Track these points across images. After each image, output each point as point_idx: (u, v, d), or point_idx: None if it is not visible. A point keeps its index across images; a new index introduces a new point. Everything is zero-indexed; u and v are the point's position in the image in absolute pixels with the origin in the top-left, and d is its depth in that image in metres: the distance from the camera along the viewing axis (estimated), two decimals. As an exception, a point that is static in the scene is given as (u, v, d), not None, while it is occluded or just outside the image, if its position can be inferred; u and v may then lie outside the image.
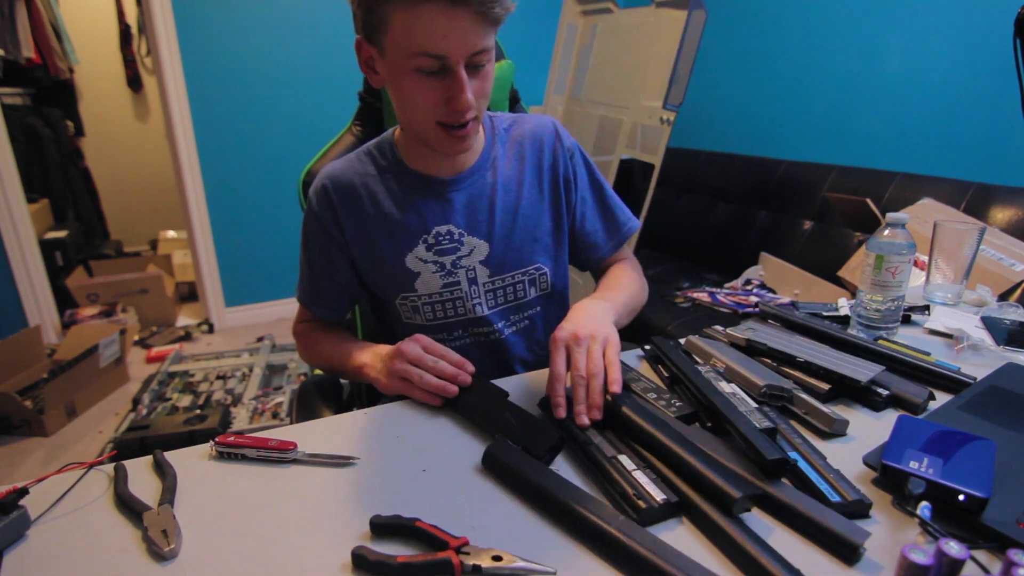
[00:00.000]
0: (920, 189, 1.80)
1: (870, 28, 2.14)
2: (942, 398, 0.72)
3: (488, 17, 0.67)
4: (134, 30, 3.80)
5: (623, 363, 0.78)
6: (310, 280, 0.89)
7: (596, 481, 0.56)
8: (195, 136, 2.64)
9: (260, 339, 2.75)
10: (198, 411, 2.08)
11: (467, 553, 0.46)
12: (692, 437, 0.59)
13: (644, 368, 0.81)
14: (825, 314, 0.97)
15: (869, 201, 1.81)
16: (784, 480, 0.55)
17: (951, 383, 0.74)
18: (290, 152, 2.78)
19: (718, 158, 2.62)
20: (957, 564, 0.42)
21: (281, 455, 0.61)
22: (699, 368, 0.75)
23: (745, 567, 0.46)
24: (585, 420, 0.62)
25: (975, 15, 1.83)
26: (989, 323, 0.94)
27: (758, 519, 0.52)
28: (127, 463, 0.60)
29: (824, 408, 0.66)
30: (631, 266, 0.96)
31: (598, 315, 0.74)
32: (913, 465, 0.53)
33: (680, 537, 0.50)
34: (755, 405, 0.66)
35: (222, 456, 0.62)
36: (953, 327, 0.91)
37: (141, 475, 0.59)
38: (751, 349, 0.81)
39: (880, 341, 0.84)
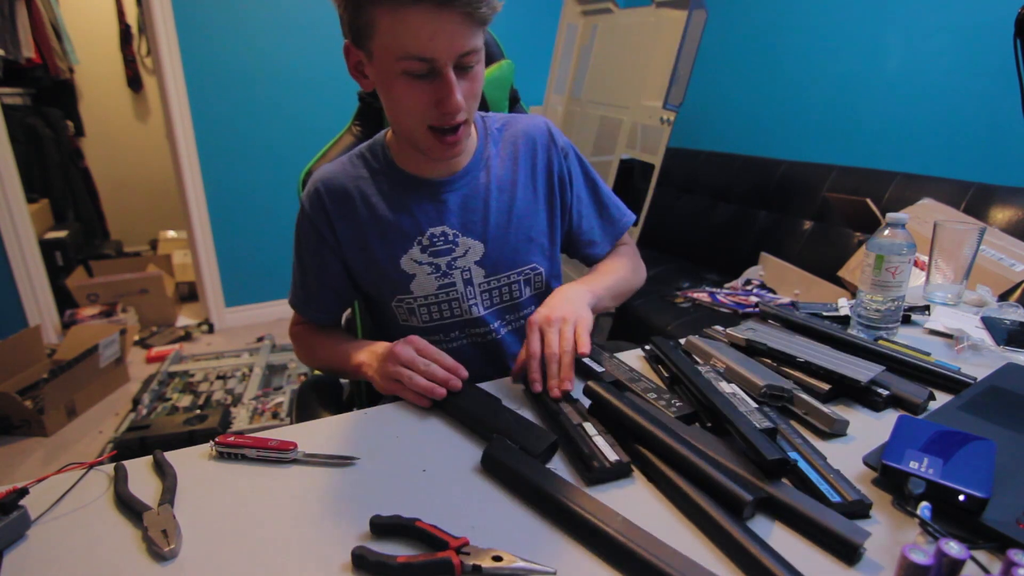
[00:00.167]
0: (920, 189, 1.80)
1: (870, 28, 2.14)
2: (942, 398, 0.72)
3: (475, 17, 0.66)
4: (134, 30, 3.80)
5: (623, 362, 0.79)
6: (303, 284, 0.89)
7: (561, 444, 0.62)
8: (195, 136, 2.64)
9: (260, 339, 2.75)
10: (198, 411, 2.08)
11: (467, 553, 0.46)
12: (693, 437, 0.59)
13: (644, 368, 0.81)
14: (825, 314, 0.97)
15: (869, 201, 1.81)
16: (784, 480, 0.55)
17: (951, 383, 0.74)
18: (290, 152, 2.78)
19: (718, 158, 2.62)
20: (957, 564, 0.42)
21: (281, 455, 0.61)
22: (699, 368, 0.75)
23: (746, 567, 0.46)
24: (557, 393, 0.68)
25: (975, 15, 1.83)
26: (989, 323, 0.94)
27: (758, 519, 0.52)
28: (127, 463, 0.60)
29: (824, 408, 0.66)
30: (625, 252, 0.98)
31: (573, 298, 0.78)
32: (913, 465, 0.53)
33: (680, 537, 0.50)
34: (755, 405, 0.66)
35: (222, 456, 0.62)
36: (953, 327, 0.91)
37: (141, 475, 0.59)
38: (751, 349, 0.81)
39: (880, 341, 0.84)
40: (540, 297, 0.92)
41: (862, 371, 0.72)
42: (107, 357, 2.28)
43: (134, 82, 3.90)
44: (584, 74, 2.48)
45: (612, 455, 0.58)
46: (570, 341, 0.71)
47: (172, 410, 2.14)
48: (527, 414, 0.68)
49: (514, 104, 1.15)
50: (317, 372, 1.07)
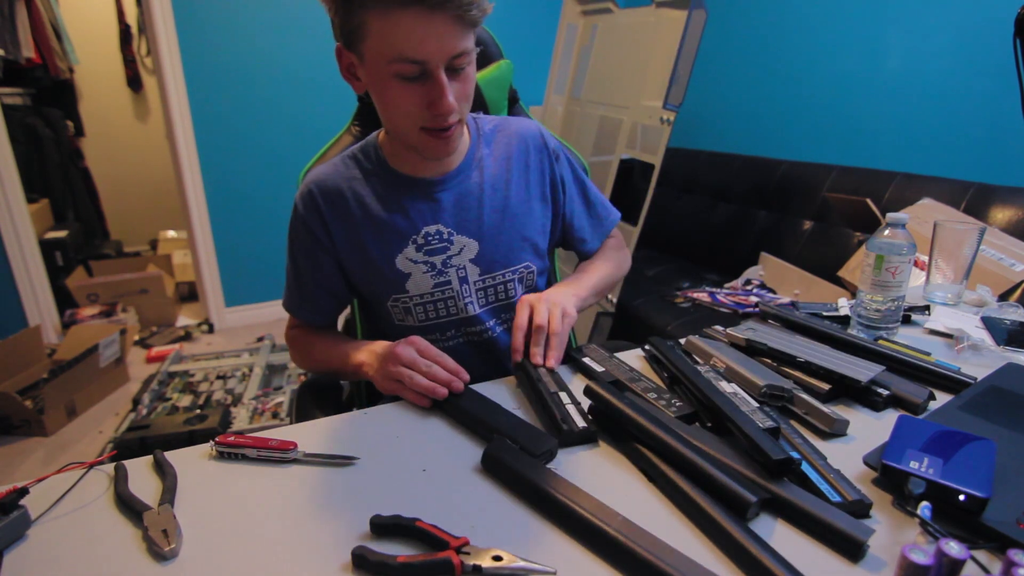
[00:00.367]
0: (920, 189, 1.80)
1: (870, 28, 2.14)
2: (942, 398, 0.72)
3: (465, 20, 0.67)
4: (134, 30, 3.80)
5: (623, 362, 0.79)
6: (297, 286, 0.89)
7: (536, 409, 0.69)
8: (195, 136, 2.64)
9: (260, 339, 2.75)
10: (198, 411, 2.08)
11: (467, 553, 0.46)
12: (693, 437, 0.59)
13: (644, 368, 0.81)
14: (825, 314, 0.97)
15: (869, 201, 1.81)
16: (785, 479, 0.55)
17: (951, 383, 0.74)
18: (290, 152, 2.78)
19: (718, 158, 2.62)
20: (957, 564, 0.42)
21: (281, 455, 0.61)
22: (699, 368, 0.75)
23: (746, 567, 0.46)
24: (539, 360, 0.74)
25: (975, 15, 1.83)
26: (989, 323, 0.94)
27: (760, 517, 0.52)
28: (127, 463, 0.60)
29: (824, 408, 0.66)
30: (612, 246, 1.02)
31: (563, 294, 0.82)
32: (913, 465, 0.53)
33: (680, 537, 0.50)
34: (756, 405, 0.66)
35: (222, 456, 0.62)
36: (953, 327, 0.91)
37: (141, 475, 0.59)
38: (751, 349, 0.81)
39: (880, 341, 0.84)
40: None
41: (862, 371, 0.72)
42: (107, 357, 2.28)
43: (134, 82, 3.90)
44: (584, 74, 2.48)
45: (580, 422, 0.63)
46: (558, 324, 0.75)
47: (172, 410, 2.14)
48: (527, 415, 0.68)
49: (513, 104, 1.15)
50: None
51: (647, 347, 0.84)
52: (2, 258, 2.52)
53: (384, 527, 0.50)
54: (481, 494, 0.56)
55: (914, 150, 2.05)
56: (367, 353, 0.79)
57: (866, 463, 0.58)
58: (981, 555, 0.47)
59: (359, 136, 1.05)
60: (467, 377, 0.73)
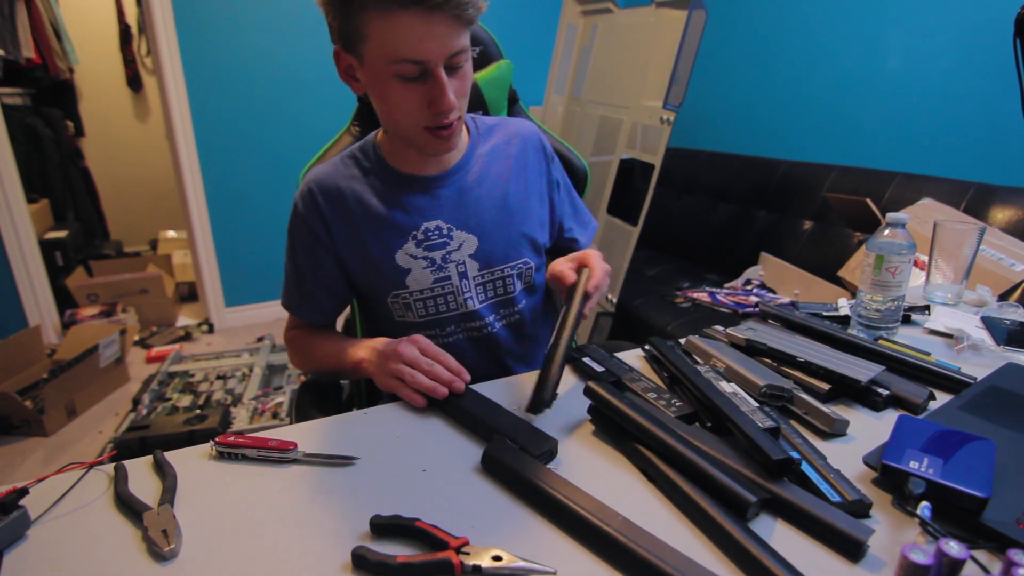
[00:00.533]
0: (920, 189, 1.80)
1: (870, 28, 2.14)
2: (942, 398, 0.72)
3: (462, 19, 0.68)
4: (134, 30, 3.80)
5: (623, 362, 0.80)
6: (297, 284, 0.89)
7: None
8: (195, 136, 2.64)
9: (260, 339, 2.75)
10: (198, 411, 2.08)
11: (467, 553, 0.46)
12: (693, 437, 0.59)
13: (644, 368, 0.81)
14: (825, 314, 0.97)
15: (869, 201, 1.81)
16: (785, 479, 0.55)
17: (951, 383, 0.74)
18: (290, 152, 2.78)
19: (718, 158, 2.62)
20: (957, 564, 0.42)
21: (281, 455, 0.61)
22: (699, 368, 0.75)
23: (746, 567, 0.46)
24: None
25: (975, 15, 1.83)
26: (989, 323, 0.94)
27: (760, 517, 0.52)
28: (127, 463, 0.60)
29: (824, 408, 0.66)
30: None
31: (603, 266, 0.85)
32: (913, 465, 0.53)
33: (680, 537, 0.50)
34: (756, 405, 0.66)
35: (222, 456, 0.62)
36: (953, 327, 0.91)
37: (141, 475, 0.59)
38: (751, 349, 0.81)
39: (880, 341, 0.84)
40: (531, 292, 0.94)
41: (862, 371, 0.72)
42: (107, 357, 2.28)
43: (134, 82, 3.90)
44: (584, 74, 2.48)
45: (548, 392, 0.67)
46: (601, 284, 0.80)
47: (172, 410, 2.14)
48: (527, 416, 0.69)
49: (513, 104, 1.15)
50: None
51: (647, 347, 0.84)
52: (2, 258, 2.52)
53: (384, 527, 0.50)
54: (481, 494, 0.56)
55: (914, 150, 2.05)
56: (367, 349, 0.79)
57: (866, 463, 0.58)
58: (981, 555, 0.47)
59: (359, 136, 1.05)
60: (468, 377, 0.73)
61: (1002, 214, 1.62)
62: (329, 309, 0.91)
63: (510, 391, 0.75)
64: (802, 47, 2.40)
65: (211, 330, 2.91)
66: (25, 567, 0.48)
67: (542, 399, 0.68)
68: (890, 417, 0.68)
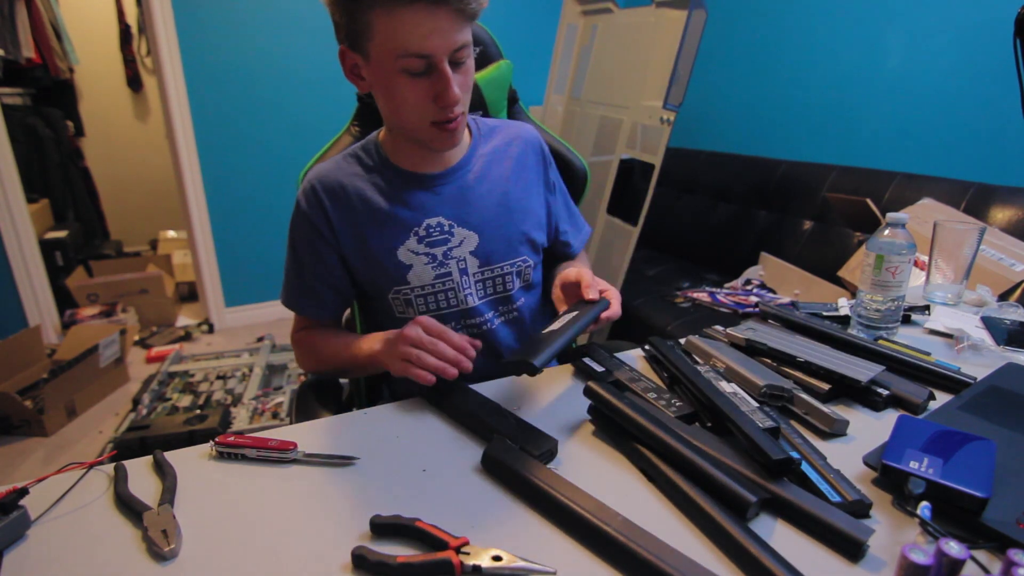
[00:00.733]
0: (920, 189, 1.79)
1: (870, 28, 2.14)
2: (942, 398, 0.72)
3: (465, 13, 0.70)
4: (134, 30, 3.80)
5: (623, 362, 0.80)
6: (300, 281, 0.89)
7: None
8: (195, 136, 2.64)
9: (260, 339, 2.75)
10: (198, 411, 2.08)
11: (467, 553, 0.46)
12: (693, 437, 0.59)
13: (644, 368, 0.81)
14: (825, 314, 0.97)
15: (869, 201, 1.81)
16: (785, 479, 0.55)
17: (951, 383, 0.74)
18: (290, 152, 2.78)
19: (718, 158, 2.62)
20: (957, 564, 0.42)
21: (281, 455, 0.61)
22: (699, 368, 0.75)
23: (746, 567, 0.46)
24: (595, 295, 0.78)
25: (975, 15, 1.83)
26: (989, 323, 0.94)
27: (760, 517, 0.52)
28: (127, 463, 0.60)
29: (824, 408, 0.66)
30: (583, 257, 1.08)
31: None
32: (913, 465, 0.53)
33: (680, 537, 0.50)
34: (756, 405, 0.66)
35: (222, 456, 0.62)
36: (953, 327, 0.91)
37: (141, 475, 0.59)
38: (751, 349, 0.81)
39: (880, 341, 0.84)
40: (528, 290, 0.94)
41: (862, 371, 0.72)
42: (107, 357, 2.28)
43: (134, 82, 3.90)
44: (584, 74, 2.48)
45: (534, 358, 0.65)
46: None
47: (172, 410, 2.14)
48: (527, 415, 0.68)
49: (513, 104, 1.15)
50: None
51: (647, 347, 0.84)
52: (2, 258, 2.52)
53: (384, 527, 0.50)
54: (481, 494, 0.56)
55: (914, 150, 2.05)
56: (380, 342, 0.79)
57: (866, 463, 0.58)
58: (981, 555, 0.47)
59: (359, 136, 1.05)
60: (472, 353, 0.73)
61: (1002, 214, 1.62)
62: (332, 306, 0.91)
63: (510, 391, 0.75)
64: (802, 47, 2.40)
65: (211, 330, 2.91)
66: (25, 567, 0.48)
67: (528, 361, 0.65)
68: (890, 417, 0.68)
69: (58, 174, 3.36)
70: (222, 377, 2.39)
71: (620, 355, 0.84)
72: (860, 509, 0.52)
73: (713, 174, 2.59)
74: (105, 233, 3.84)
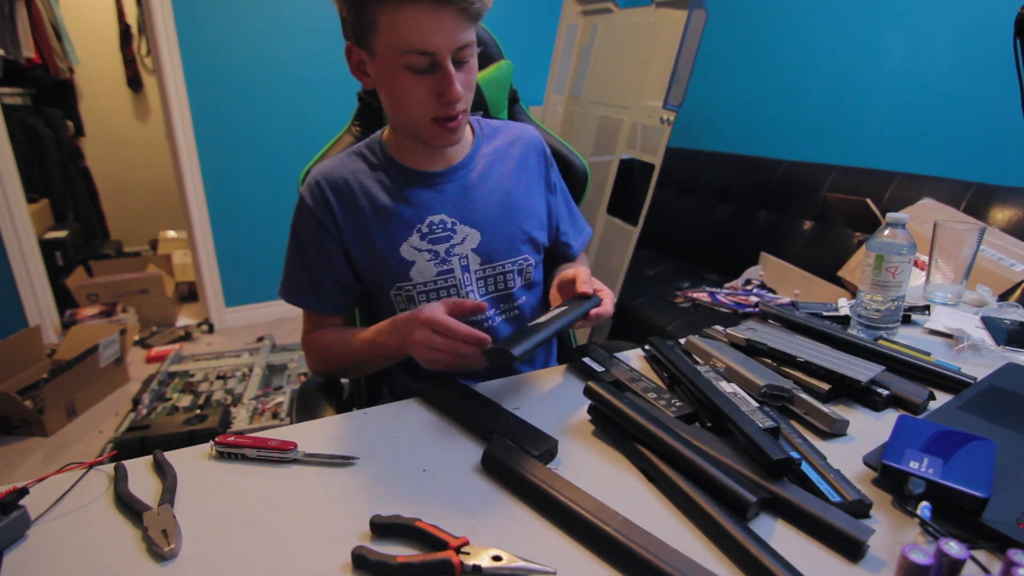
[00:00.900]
0: (920, 189, 1.79)
1: (870, 28, 2.14)
2: (942, 398, 0.72)
3: (469, 13, 0.71)
4: (134, 30, 3.80)
5: (623, 362, 0.80)
6: (306, 276, 0.88)
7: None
8: (195, 136, 2.64)
9: (260, 339, 2.75)
10: (198, 411, 2.08)
11: (467, 553, 0.46)
12: (693, 437, 0.59)
13: (644, 368, 0.81)
14: (825, 314, 0.97)
15: (869, 201, 1.81)
16: (785, 479, 0.55)
17: (951, 383, 0.74)
18: (290, 152, 2.78)
19: (718, 158, 2.62)
20: (957, 564, 0.42)
21: (281, 455, 0.61)
22: (699, 368, 0.75)
23: (746, 567, 0.46)
24: (588, 289, 0.78)
25: (975, 15, 1.83)
26: (989, 323, 0.94)
27: (760, 517, 0.52)
28: (127, 463, 0.60)
29: (824, 408, 0.66)
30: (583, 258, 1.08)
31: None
32: (913, 465, 0.53)
33: (680, 537, 0.50)
34: (756, 405, 0.66)
35: (222, 456, 0.62)
36: (953, 327, 0.91)
37: (141, 475, 0.59)
38: (751, 349, 0.81)
39: (880, 341, 0.84)
40: (529, 289, 0.94)
41: (862, 371, 0.72)
42: (107, 357, 2.28)
43: (134, 82, 3.90)
44: (584, 74, 2.48)
45: (514, 347, 0.64)
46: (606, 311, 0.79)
47: (172, 410, 2.14)
48: (527, 415, 0.68)
49: (513, 104, 1.15)
50: None
51: (647, 347, 0.84)
52: (2, 258, 2.52)
53: (384, 527, 0.50)
54: (481, 494, 0.56)
55: (914, 150, 2.05)
56: (396, 335, 0.77)
57: (866, 463, 0.58)
58: (981, 555, 0.47)
59: (359, 136, 1.05)
60: (488, 340, 0.71)
61: (1002, 214, 1.62)
62: (338, 301, 0.90)
63: (510, 391, 0.75)
64: (802, 47, 2.40)
65: (211, 330, 2.91)
66: (25, 567, 0.48)
67: (506, 350, 0.64)
68: (890, 417, 0.68)
69: (58, 174, 3.36)
70: (222, 377, 2.39)
71: (620, 355, 0.84)
72: (860, 509, 0.52)
73: (713, 174, 2.59)
74: (105, 233, 3.84)
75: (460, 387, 0.73)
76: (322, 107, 2.77)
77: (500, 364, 0.67)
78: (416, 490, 0.56)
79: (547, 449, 0.60)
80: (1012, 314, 0.97)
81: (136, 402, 2.21)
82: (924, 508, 0.49)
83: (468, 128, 0.92)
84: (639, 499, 0.55)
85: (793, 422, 0.67)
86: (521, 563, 0.46)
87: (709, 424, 0.65)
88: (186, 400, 2.21)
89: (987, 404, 0.68)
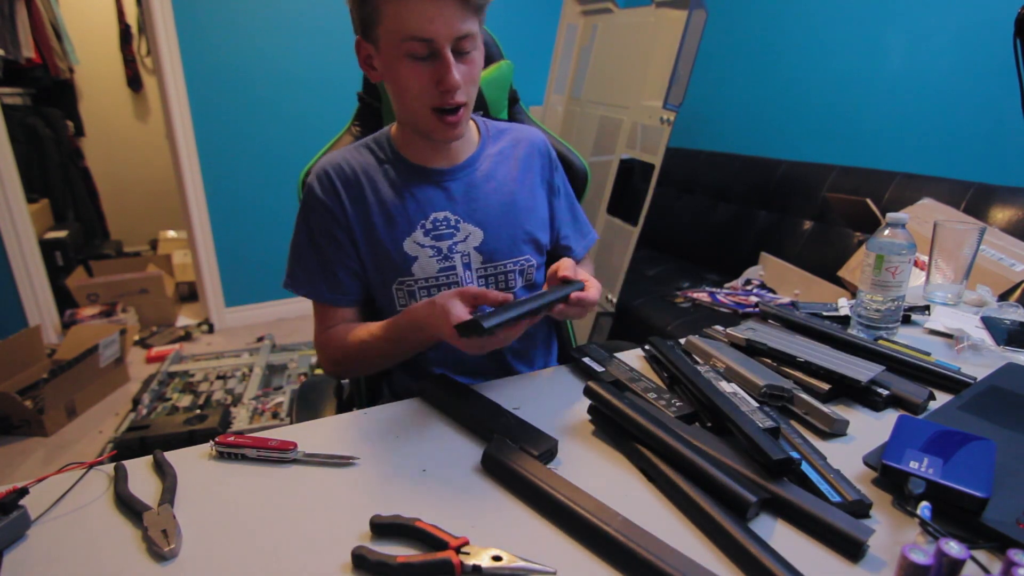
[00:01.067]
0: (920, 189, 1.79)
1: (870, 28, 2.14)
2: (942, 398, 0.72)
3: (470, 4, 0.73)
4: (134, 30, 3.80)
5: (623, 362, 0.80)
6: (319, 268, 0.87)
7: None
8: (195, 136, 2.64)
9: (260, 339, 2.75)
10: (198, 411, 2.08)
11: (467, 553, 0.46)
12: (693, 437, 0.59)
13: (644, 368, 0.81)
14: (825, 314, 0.97)
15: (869, 201, 1.81)
16: (785, 479, 0.55)
17: (951, 383, 0.74)
18: (290, 152, 2.78)
19: (718, 158, 2.62)
20: (957, 564, 0.42)
21: (281, 455, 0.61)
22: (699, 368, 0.75)
23: (746, 567, 0.46)
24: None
25: (975, 15, 1.83)
26: (989, 323, 0.94)
27: (760, 517, 0.52)
28: (127, 463, 0.60)
29: (824, 408, 0.66)
30: (590, 264, 1.07)
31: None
32: (913, 465, 0.53)
33: (680, 537, 0.50)
34: (756, 405, 0.66)
35: (222, 456, 0.62)
36: (953, 327, 0.91)
37: (141, 475, 0.59)
38: (751, 349, 0.81)
39: (880, 341, 0.84)
40: (531, 290, 0.94)
41: (862, 371, 0.72)
42: (107, 357, 2.28)
43: (134, 82, 3.90)
44: (584, 74, 2.48)
45: (486, 321, 0.62)
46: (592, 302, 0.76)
47: (172, 410, 2.14)
48: (527, 415, 0.68)
49: (513, 104, 1.15)
50: (318, 371, 1.06)
51: (647, 347, 0.84)
52: (2, 258, 2.52)
53: (384, 527, 0.50)
54: (481, 494, 0.56)
55: (914, 150, 2.05)
56: (426, 328, 0.75)
57: (866, 463, 0.58)
58: (981, 555, 0.47)
59: (359, 136, 1.05)
60: (510, 297, 0.71)
61: (1002, 214, 1.62)
62: (351, 291, 0.88)
63: (510, 391, 0.75)
64: (802, 47, 2.40)
65: (211, 330, 2.91)
66: (25, 567, 0.48)
67: (477, 322, 0.62)
68: (890, 417, 0.68)
69: (58, 174, 3.36)
70: (222, 377, 2.39)
71: (620, 355, 0.84)
72: (860, 509, 0.52)
73: (713, 174, 2.59)
74: (105, 233, 3.84)
75: (460, 387, 0.73)
76: (322, 107, 2.77)
77: (471, 335, 0.65)
78: (416, 490, 0.56)
79: (547, 449, 0.60)
80: (1012, 314, 0.97)
81: (136, 402, 2.21)
82: (924, 508, 0.49)
83: (474, 128, 0.93)
84: (639, 499, 0.55)
85: (793, 422, 0.67)
86: (521, 563, 0.46)
87: (709, 424, 0.65)
88: (186, 400, 2.21)
89: (987, 404, 0.68)
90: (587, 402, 0.67)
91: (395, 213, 0.86)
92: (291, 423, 0.72)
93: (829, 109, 2.31)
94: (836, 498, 0.52)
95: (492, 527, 0.51)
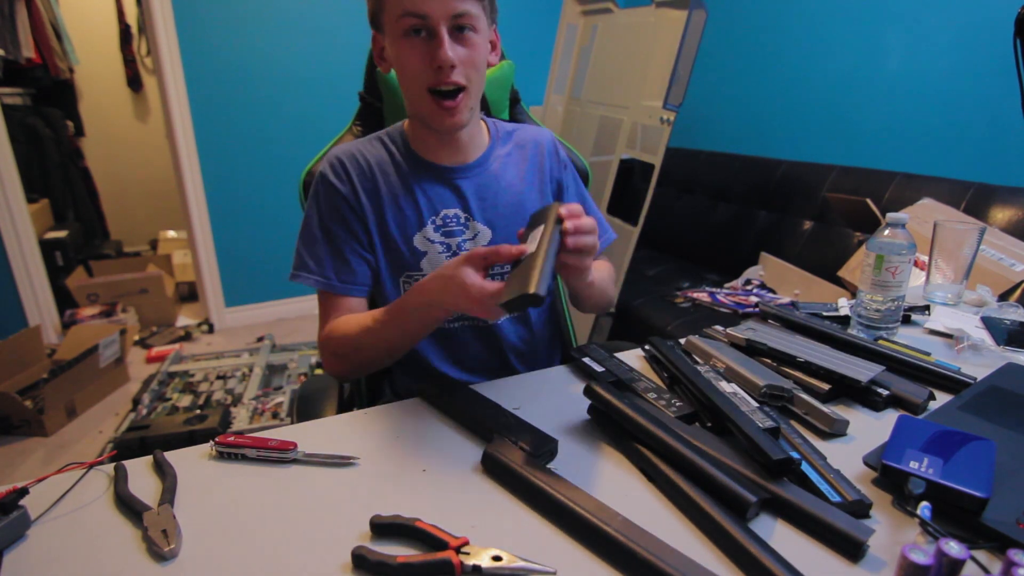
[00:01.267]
0: (920, 189, 1.80)
1: (870, 28, 2.14)
2: (942, 398, 0.72)
3: None
4: (134, 30, 3.80)
5: (623, 362, 0.80)
6: (332, 256, 0.84)
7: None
8: (195, 136, 2.64)
9: (260, 339, 2.75)
10: (198, 411, 2.08)
11: (467, 553, 0.46)
12: (693, 437, 0.59)
13: (644, 368, 0.81)
14: (825, 314, 0.97)
15: (869, 201, 1.81)
16: (785, 479, 0.55)
17: (951, 383, 0.74)
18: (290, 152, 2.78)
19: (718, 158, 2.62)
20: (957, 564, 0.42)
21: (281, 455, 0.61)
22: (699, 368, 0.75)
23: (746, 567, 0.46)
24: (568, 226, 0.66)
25: (975, 15, 1.83)
26: (989, 323, 0.94)
27: (760, 517, 0.52)
28: (127, 463, 0.60)
29: (824, 408, 0.66)
30: (604, 265, 1.01)
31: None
32: (913, 465, 0.53)
33: (680, 537, 0.50)
34: (756, 405, 0.66)
35: (222, 456, 0.62)
36: (953, 327, 0.91)
37: (141, 475, 0.59)
38: (751, 349, 0.81)
39: (880, 341, 0.84)
40: None
41: (862, 371, 0.72)
42: (107, 357, 2.28)
43: (134, 82, 3.90)
44: (584, 74, 2.48)
45: (507, 295, 0.59)
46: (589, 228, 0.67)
47: (172, 410, 2.14)
48: (527, 415, 0.68)
49: (514, 104, 1.15)
50: (318, 371, 1.05)
51: (647, 347, 0.84)
52: (2, 258, 2.52)
53: (384, 527, 0.50)
54: (481, 494, 0.56)
55: (914, 150, 2.05)
56: (437, 306, 0.72)
57: (866, 463, 0.58)
58: (981, 555, 0.47)
59: (360, 136, 1.05)
60: (524, 249, 0.66)
61: (1002, 214, 1.62)
62: (363, 280, 0.86)
63: (510, 391, 0.75)
64: (802, 47, 2.40)
65: (211, 330, 2.91)
66: (25, 567, 0.48)
67: (528, 294, 0.56)
68: (890, 417, 0.68)
69: (58, 174, 3.36)
70: (222, 377, 2.39)
71: (620, 355, 0.84)
72: (860, 509, 0.52)
73: (713, 174, 2.59)
74: (105, 233, 3.84)
75: (460, 387, 0.73)
76: (322, 107, 2.77)
77: (523, 308, 0.61)
78: (416, 490, 0.56)
79: (547, 449, 0.60)
80: (1012, 314, 0.97)
81: (136, 402, 2.21)
82: (924, 508, 0.49)
83: (484, 129, 0.93)
84: (639, 499, 0.55)
85: (793, 422, 0.67)
86: (521, 563, 0.46)
87: (709, 424, 0.65)
88: (186, 400, 2.21)
89: (987, 404, 0.68)
90: (587, 402, 0.67)
91: (406, 207, 0.86)
92: (291, 423, 0.72)
93: (829, 109, 2.31)
94: (836, 498, 0.52)
95: (492, 527, 0.51)
